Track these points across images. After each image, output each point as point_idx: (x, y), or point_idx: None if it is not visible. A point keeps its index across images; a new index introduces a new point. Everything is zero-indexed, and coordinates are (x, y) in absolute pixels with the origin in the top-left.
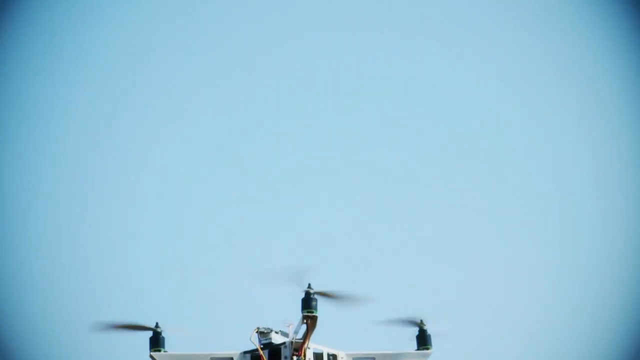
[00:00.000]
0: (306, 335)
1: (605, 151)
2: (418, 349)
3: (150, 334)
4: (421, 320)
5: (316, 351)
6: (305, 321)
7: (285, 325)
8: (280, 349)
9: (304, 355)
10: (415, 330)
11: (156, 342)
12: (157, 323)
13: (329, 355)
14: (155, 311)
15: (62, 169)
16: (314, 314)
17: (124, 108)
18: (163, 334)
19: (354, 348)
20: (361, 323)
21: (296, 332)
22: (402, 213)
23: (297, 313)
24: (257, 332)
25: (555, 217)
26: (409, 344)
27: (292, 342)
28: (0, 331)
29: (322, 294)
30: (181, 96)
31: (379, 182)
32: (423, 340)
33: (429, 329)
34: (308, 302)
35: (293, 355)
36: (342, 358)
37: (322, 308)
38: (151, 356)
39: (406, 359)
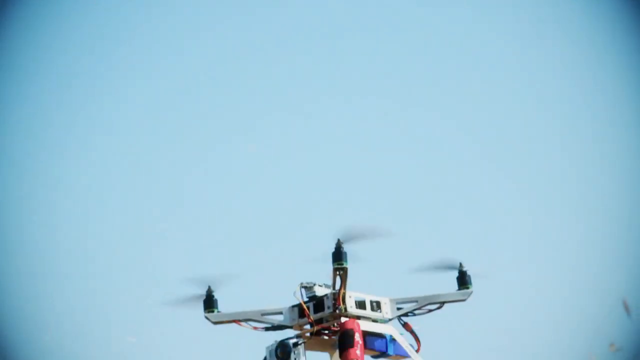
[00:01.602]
0: (341, 286)
1: None
2: (459, 290)
3: (203, 297)
4: (460, 263)
5: (358, 299)
6: (337, 273)
7: (330, 277)
8: (323, 301)
9: (344, 303)
10: (454, 274)
11: (209, 303)
12: (209, 287)
13: (371, 302)
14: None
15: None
16: (344, 266)
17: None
18: (215, 297)
19: (395, 294)
20: (400, 271)
21: (334, 284)
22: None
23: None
24: (301, 287)
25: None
26: (450, 287)
27: (333, 294)
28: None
29: (354, 239)
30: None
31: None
32: (463, 280)
33: (469, 270)
34: (338, 255)
35: (335, 306)
36: (385, 304)
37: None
38: (206, 317)
39: (447, 299)
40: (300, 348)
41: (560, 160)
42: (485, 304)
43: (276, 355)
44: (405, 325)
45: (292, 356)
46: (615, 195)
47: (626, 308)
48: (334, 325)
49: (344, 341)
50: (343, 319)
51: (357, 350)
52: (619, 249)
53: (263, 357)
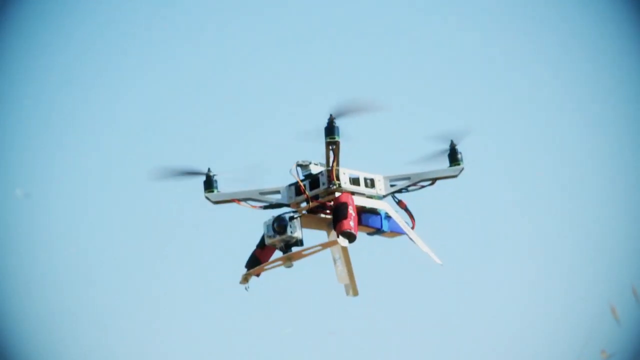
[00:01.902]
0: (333, 161)
1: None
2: (450, 167)
3: (203, 178)
4: (452, 141)
5: (352, 176)
6: (330, 148)
7: (323, 156)
8: (318, 178)
9: (338, 179)
10: (446, 151)
11: (209, 184)
12: (209, 168)
13: (365, 179)
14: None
15: None
16: (335, 140)
17: None
18: (215, 177)
19: (388, 172)
20: (393, 148)
21: (328, 160)
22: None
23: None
24: (297, 165)
25: None
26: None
27: (327, 170)
28: None
29: (345, 114)
30: None
31: None
32: (454, 157)
33: (460, 147)
34: (330, 129)
35: (329, 181)
36: (379, 181)
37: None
38: (206, 197)
39: (439, 176)
40: (296, 221)
41: None
42: (477, 181)
43: (273, 229)
44: (400, 203)
45: (289, 229)
46: None
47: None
48: (329, 202)
49: (338, 213)
50: (337, 194)
51: (351, 221)
52: None
53: (262, 235)
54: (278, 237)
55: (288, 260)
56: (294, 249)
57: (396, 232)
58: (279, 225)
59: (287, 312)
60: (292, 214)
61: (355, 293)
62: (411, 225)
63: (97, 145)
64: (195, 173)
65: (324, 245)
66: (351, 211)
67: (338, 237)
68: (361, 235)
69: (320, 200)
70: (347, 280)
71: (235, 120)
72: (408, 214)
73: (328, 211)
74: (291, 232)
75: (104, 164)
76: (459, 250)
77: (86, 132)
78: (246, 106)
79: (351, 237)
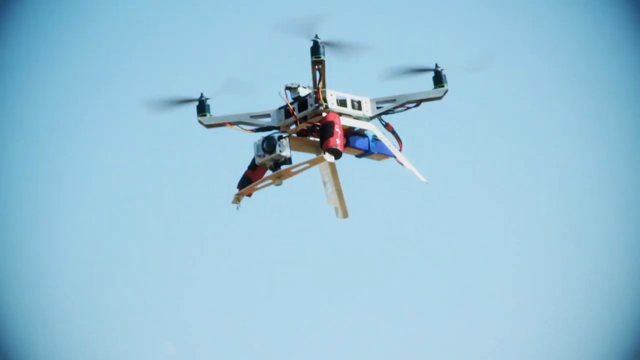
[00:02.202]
0: (319, 81)
1: None
2: (435, 88)
3: (195, 104)
4: (436, 64)
5: (340, 98)
6: (316, 67)
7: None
8: (307, 100)
9: (325, 100)
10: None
11: (202, 108)
12: (201, 93)
13: (352, 101)
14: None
15: None
16: (321, 59)
17: None
18: (208, 102)
19: (375, 94)
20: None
21: (315, 80)
22: None
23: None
24: (286, 88)
25: None
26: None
27: (315, 92)
28: None
29: (330, 44)
30: None
31: None
32: (438, 79)
33: (444, 70)
34: (316, 49)
35: (316, 102)
36: (365, 102)
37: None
38: (199, 121)
39: (424, 97)
40: (285, 141)
41: None
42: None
43: (262, 149)
44: (387, 126)
45: (277, 148)
46: None
47: None
48: (317, 123)
49: (324, 131)
50: (325, 115)
51: (337, 139)
52: None
53: (253, 157)
54: (267, 156)
55: (277, 179)
56: (283, 167)
57: (384, 154)
58: (268, 144)
59: (278, 233)
60: (280, 134)
61: (345, 215)
62: (398, 147)
63: (89, 70)
64: (188, 101)
65: (311, 162)
66: (337, 129)
67: (324, 153)
68: (349, 158)
69: (308, 121)
70: (336, 203)
71: (226, 44)
72: (395, 137)
73: (317, 134)
74: (280, 151)
75: (96, 93)
76: (444, 170)
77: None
78: (237, 30)
79: (337, 154)
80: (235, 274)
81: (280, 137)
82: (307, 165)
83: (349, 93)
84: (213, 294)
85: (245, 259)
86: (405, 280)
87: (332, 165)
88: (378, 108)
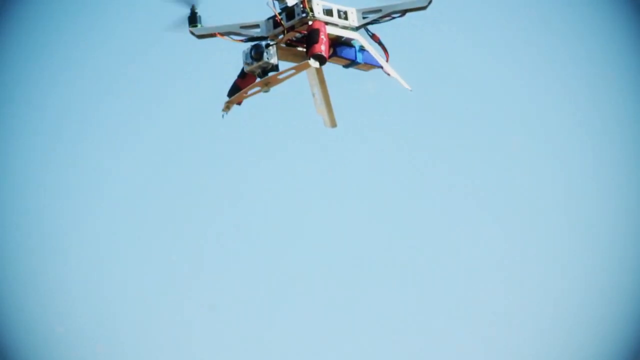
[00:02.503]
0: None
1: None
2: None
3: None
4: None
5: (326, 7)
6: None
7: None
8: (294, 10)
9: (312, 10)
10: None
11: (193, 19)
12: (193, 5)
13: (339, 11)
14: None
15: None
16: None
17: None
18: (199, 14)
19: (360, 4)
20: None
21: None
22: None
23: None
24: None
25: None
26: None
27: (302, 1)
28: None
29: None
30: None
31: None
32: None
33: None
34: None
35: (303, 12)
36: (352, 13)
37: None
38: (190, 31)
39: (409, 7)
40: (272, 49)
41: None
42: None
43: (251, 56)
44: (374, 37)
45: (265, 55)
46: None
47: None
48: (304, 31)
49: (310, 38)
50: (311, 23)
51: (322, 45)
52: None
53: (242, 66)
54: (255, 64)
55: (265, 86)
56: (271, 74)
57: (370, 64)
58: (256, 52)
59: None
60: (268, 42)
61: (334, 124)
62: (385, 58)
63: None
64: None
65: (297, 68)
66: (323, 37)
67: (309, 59)
68: (337, 68)
69: (295, 30)
70: (325, 112)
71: None
72: (382, 47)
73: (305, 44)
74: (267, 58)
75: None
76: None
77: None
78: None
79: (322, 60)
80: (231, 178)
81: (267, 45)
82: (293, 72)
83: (335, 4)
84: (213, 293)
85: (246, 255)
86: (405, 266)
87: (320, 73)
88: (364, 18)
